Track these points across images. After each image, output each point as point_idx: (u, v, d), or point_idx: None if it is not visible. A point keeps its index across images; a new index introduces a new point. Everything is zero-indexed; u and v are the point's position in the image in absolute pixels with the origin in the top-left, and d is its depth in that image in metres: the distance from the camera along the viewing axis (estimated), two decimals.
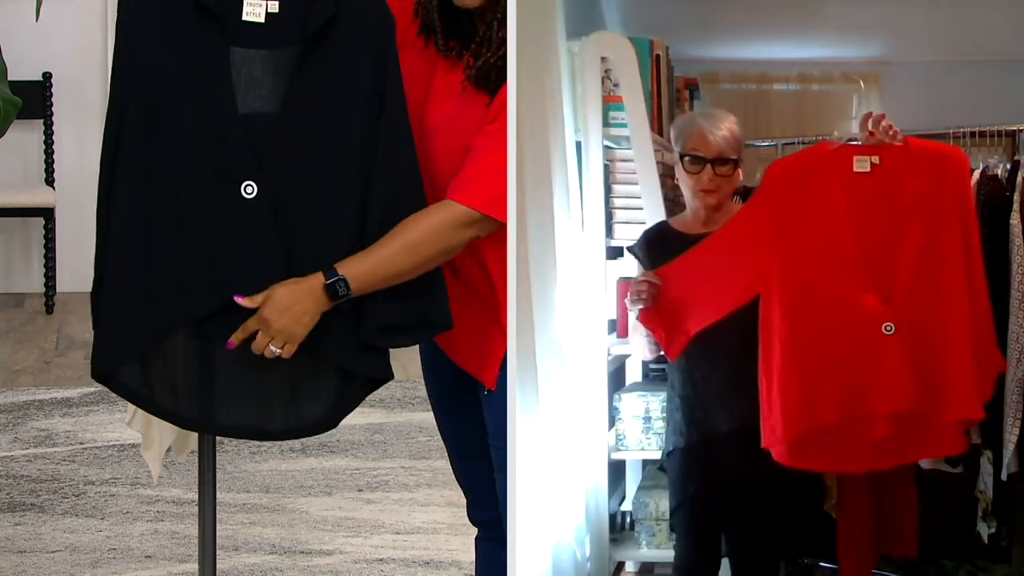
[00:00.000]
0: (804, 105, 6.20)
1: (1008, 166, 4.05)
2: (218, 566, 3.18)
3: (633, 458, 4.41)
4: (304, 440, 5.45)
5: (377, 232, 2.86)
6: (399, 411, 6.04)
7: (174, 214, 2.85)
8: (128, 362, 2.88)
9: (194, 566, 4.18)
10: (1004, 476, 3.92)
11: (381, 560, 4.57)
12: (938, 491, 4.09)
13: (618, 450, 4.23)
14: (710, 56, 5.94)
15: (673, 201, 4.24)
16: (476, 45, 2.95)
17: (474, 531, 3.27)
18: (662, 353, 3.70)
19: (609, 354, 4.08)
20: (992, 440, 3.95)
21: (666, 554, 4.13)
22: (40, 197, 7.67)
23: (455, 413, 3.20)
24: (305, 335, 2.84)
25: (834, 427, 3.49)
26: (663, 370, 4.38)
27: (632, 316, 3.72)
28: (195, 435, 3.13)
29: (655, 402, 4.18)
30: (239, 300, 2.83)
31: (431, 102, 3.00)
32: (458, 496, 3.37)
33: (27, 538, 4.69)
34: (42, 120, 7.81)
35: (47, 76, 7.80)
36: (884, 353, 3.45)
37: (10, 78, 3.64)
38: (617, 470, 4.40)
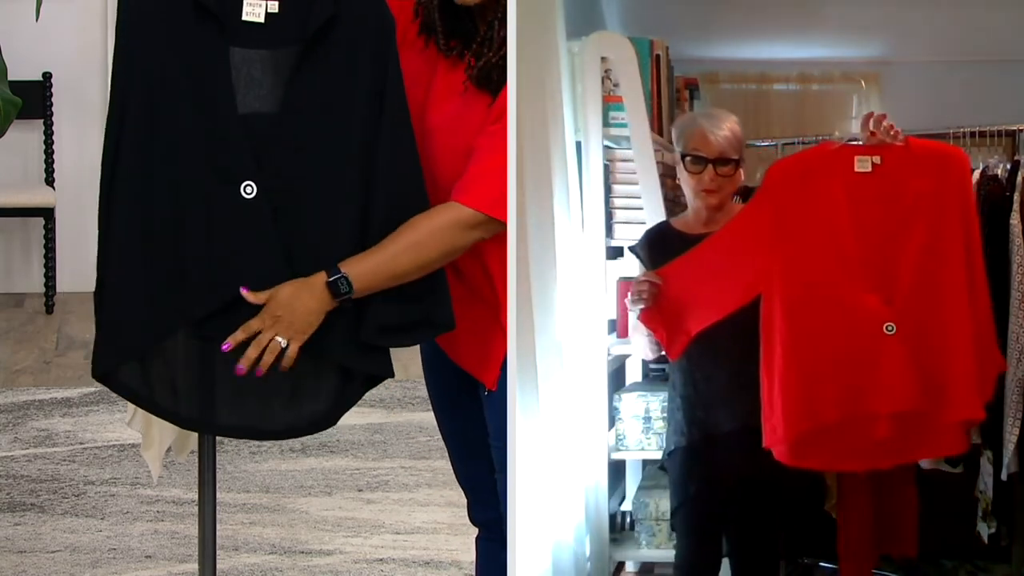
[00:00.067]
0: (804, 105, 6.20)
1: (1008, 166, 4.05)
2: (218, 566, 3.18)
3: (633, 458, 4.42)
4: (304, 440, 5.46)
5: (379, 232, 2.86)
6: (399, 411, 6.04)
7: (174, 214, 2.85)
8: (128, 362, 2.88)
9: (194, 566, 4.18)
10: (1004, 476, 3.92)
11: (381, 560, 4.57)
12: (938, 491, 4.09)
13: (618, 450, 4.23)
14: (710, 56, 5.94)
15: (673, 201, 4.24)
16: (477, 45, 2.95)
17: (474, 531, 3.27)
18: (663, 353, 3.70)
19: (609, 354, 4.08)
20: (992, 440, 3.95)
21: (666, 554, 4.13)
22: (40, 197, 7.67)
23: (456, 413, 3.20)
24: (310, 332, 2.84)
25: (835, 427, 3.49)
26: (663, 370, 4.38)
27: (632, 316, 3.71)
28: (195, 435, 3.13)
29: (655, 402, 4.19)
30: (244, 293, 2.83)
31: (432, 102, 3.00)
32: (458, 496, 3.37)
33: (27, 538, 4.69)
34: (42, 120, 7.80)
35: (47, 76, 7.80)
36: (885, 353, 3.45)
37: (10, 78, 3.63)
38: (617, 470, 4.40)
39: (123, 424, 4.83)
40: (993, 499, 4.06)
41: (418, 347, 3.19)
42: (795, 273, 3.50)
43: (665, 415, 4.09)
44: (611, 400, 4.17)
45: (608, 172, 4.17)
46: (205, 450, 3.07)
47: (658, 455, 4.05)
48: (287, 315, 2.83)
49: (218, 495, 3.17)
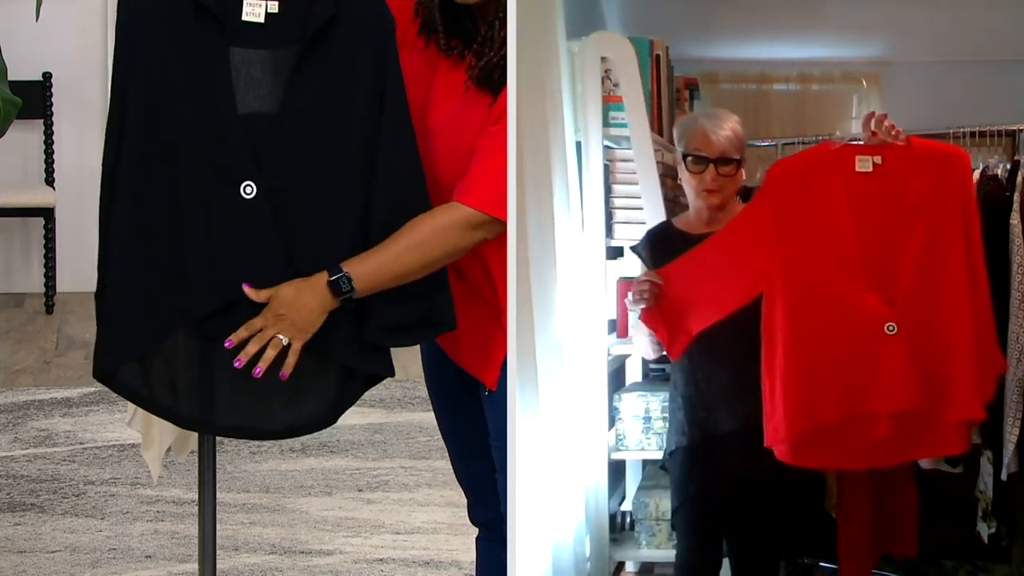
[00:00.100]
0: (804, 105, 6.20)
1: (1008, 166, 4.05)
2: (218, 566, 3.18)
3: (633, 458, 4.42)
4: (304, 440, 5.46)
5: (380, 233, 2.86)
6: (399, 411, 6.04)
7: (174, 214, 2.85)
8: (128, 362, 2.88)
9: (194, 566, 4.18)
10: (1004, 476, 3.92)
11: (381, 560, 4.57)
12: (938, 491, 4.09)
13: (618, 450, 4.23)
14: (710, 56, 5.94)
15: (673, 201, 4.24)
16: (479, 45, 2.95)
17: (474, 531, 3.27)
18: (664, 353, 3.70)
19: (609, 354, 4.08)
20: (992, 440, 3.95)
21: (666, 554, 4.13)
22: (40, 197, 7.67)
23: (457, 413, 3.20)
24: (312, 331, 2.84)
25: (836, 426, 3.49)
26: (663, 370, 4.38)
27: (632, 316, 3.72)
28: (195, 435, 3.13)
29: (655, 402, 4.19)
30: (247, 290, 2.83)
31: (433, 102, 3.00)
32: (458, 496, 3.37)
33: (27, 538, 4.69)
34: (42, 120, 7.80)
35: (47, 76, 7.80)
36: (886, 353, 3.45)
37: (10, 78, 3.63)
38: (617, 470, 4.40)
39: (123, 424, 4.83)
40: (993, 499, 4.06)
41: (418, 347, 3.19)
42: (796, 273, 3.50)
43: (665, 415, 4.10)
44: (611, 400, 4.17)
45: (608, 172, 4.17)
46: (205, 450, 3.07)
47: (658, 455, 4.06)
48: (290, 314, 2.83)
49: (218, 495, 3.17)
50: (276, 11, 2.85)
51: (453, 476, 3.29)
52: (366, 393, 2.96)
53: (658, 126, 4.43)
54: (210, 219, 2.85)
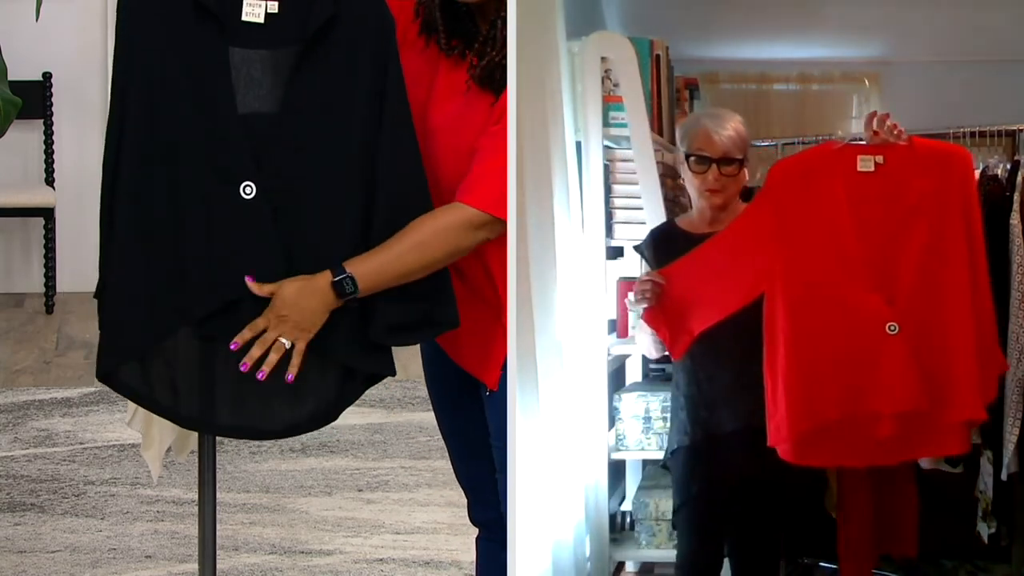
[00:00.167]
0: (804, 105, 6.20)
1: (1008, 166, 4.05)
2: (218, 566, 3.18)
3: (633, 458, 4.41)
4: (304, 440, 5.46)
5: (381, 233, 2.86)
6: (399, 411, 6.04)
7: (175, 214, 2.85)
8: (128, 362, 2.88)
9: (194, 566, 4.18)
10: (1004, 476, 3.92)
11: (381, 560, 4.57)
12: (938, 491, 4.09)
13: (618, 450, 4.23)
14: (710, 56, 5.94)
15: (673, 201, 4.24)
16: (480, 44, 2.95)
17: (474, 531, 3.27)
18: (667, 352, 3.70)
19: (609, 354, 4.08)
20: (992, 440, 3.95)
21: (666, 554, 4.13)
22: (40, 197, 7.67)
23: (457, 413, 3.20)
24: (315, 331, 2.84)
25: (838, 425, 3.49)
26: (663, 370, 4.39)
27: (632, 315, 3.72)
28: (195, 435, 3.13)
29: (655, 402, 4.19)
30: (250, 284, 2.83)
31: (433, 102, 3.00)
32: (458, 496, 3.37)
33: (27, 538, 4.69)
34: (42, 120, 7.80)
35: (47, 76, 7.80)
36: (888, 353, 3.45)
37: (10, 78, 3.63)
38: (617, 470, 4.40)
39: (123, 424, 4.82)
40: (993, 499, 4.05)
41: (418, 347, 3.19)
42: (797, 273, 3.50)
43: (665, 415, 4.10)
44: (611, 400, 4.17)
45: (608, 172, 4.17)
46: (205, 450, 3.07)
47: (658, 455, 4.05)
48: (292, 315, 2.84)
49: (218, 495, 3.17)
50: (276, 11, 2.85)
51: (453, 476, 3.29)
52: (366, 393, 2.97)
53: (658, 126, 4.43)
54: (210, 219, 2.85)
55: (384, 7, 2.90)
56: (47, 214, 7.65)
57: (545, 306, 3.23)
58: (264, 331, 2.85)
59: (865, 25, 5.76)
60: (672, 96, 4.70)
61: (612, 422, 4.20)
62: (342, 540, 4.72)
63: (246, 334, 2.85)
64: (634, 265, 4.13)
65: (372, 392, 3.01)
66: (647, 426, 4.20)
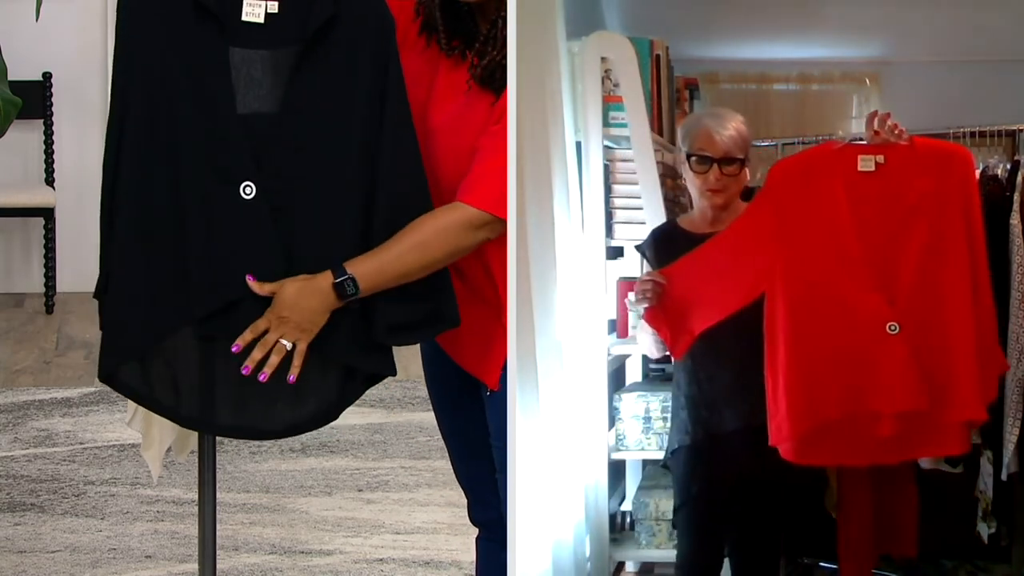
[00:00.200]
0: (804, 105, 6.20)
1: (1008, 166, 4.05)
2: (218, 566, 3.18)
3: (633, 458, 4.42)
4: (304, 440, 5.46)
5: (382, 233, 2.86)
6: (399, 411, 6.04)
7: (175, 214, 2.85)
8: (129, 362, 2.88)
9: (194, 566, 4.18)
10: (1004, 476, 3.92)
11: (381, 560, 4.57)
12: (938, 491, 4.09)
13: (618, 450, 4.23)
14: (710, 56, 5.94)
15: (673, 201, 4.24)
16: (481, 44, 2.95)
17: (474, 531, 3.27)
18: (668, 352, 3.70)
19: (609, 354, 4.08)
20: (992, 440, 3.95)
21: (666, 554, 4.13)
22: (40, 197, 7.67)
23: (457, 413, 3.20)
24: (316, 330, 2.84)
25: (840, 424, 3.49)
26: (663, 370, 4.39)
27: (633, 315, 3.71)
28: (195, 435, 3.13)
29: (655, 402, 4.19)
30: (251, 283, 2.83)
31: (434, 102, 3.00)
32: (458, 496, 3.37)
33: (27, 538, 4.69)
34: (42, 120, 7.80)
35: (47, 76, 7.80)
36: (888, 353, 3.45)
37: (10, 78, 3.63)
38: (617, 470, 4.40)
39: (123, 424, 4.83)
40: (993, 499, 4.05)
41: (418, 347, 3.19)
42: (798, 272, 3.50)
43: (665, 415, 4.10)
44: (611, 400, 4.17)
45: (608, 172, 4.17)
46: (205, 450, 3.07)
47: (658, 455, 4.05)
48: (293, 316, 2.83)
49: (218, 495, 3.17)
50: (276, 11, 2.85)
51: (453, 476, 3.29)
52: (366, 393, 2.97)
53: (658, 126, 4.43)
54: (210, 219, 2.85)
55: (384, 7, 2.90)
56: (47, 214, 7.65)
57: (545, 306, 3.23)
58: (265, 332, 2.85)
59: (865, 25, 5.76)
60: (672, 96, 4.70)
61: (612, 422, 4.20)
62: (342, 540, 4.72)
63: (247, 336, 2.85)
64: (634, 265, 4.13)
65: (372, 392, 3.01)
66: (647, 426, 4.20)
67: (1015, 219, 3.87)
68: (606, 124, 4.11)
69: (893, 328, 3.46)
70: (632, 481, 4.54)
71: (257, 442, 5.41)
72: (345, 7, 2.85)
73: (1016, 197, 3.90)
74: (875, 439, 3.48)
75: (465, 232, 2.89)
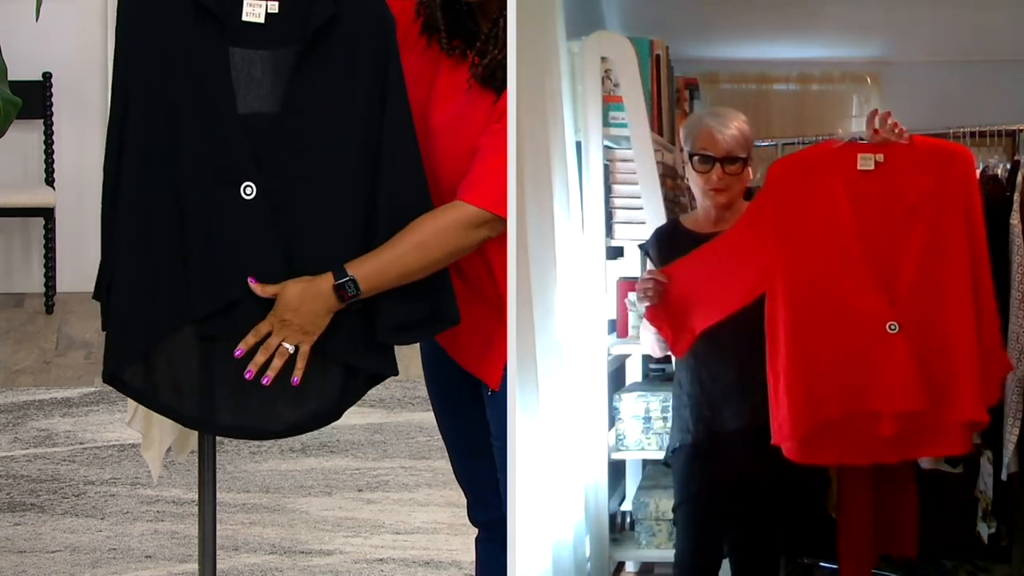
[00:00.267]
0: (804, 105, 6.20)
1: (1008, 166, 4.04)
2: (218, 566, 3.18)
3: (633, 458, 4.41)
4: (304, 440, 5.46)
5: (382, 233, 2.86)
6: (399, 411, 6.04)
7: (175, 215, 2.85)
8: (133, 364, 2.88)
9: (194, 566, 4.18)
10: (1004, 476, 3.92)
11: (381, 560, 4.57)
12: (938, 491, 4.09)
13: (618, 450, 4.23)
14: (710, 56, 5.94)
15: (673, 201, 4.24)
16: (482, 43, 2.95)
17: (474, 531, 3.27)
18: (670, 352, 3.71)
19: (609, 354, 4.08)
20: (992, 440, 3.95)
21: (666, 554, 4.13)
22: (40, 197, 7.67)
23: (457, 413, 3.20)
24: (319, 332, 2.84)
25: (841, 424, 3.49)
26: (663, 370, 4.39)
27: (633, 315, 3.71)
28: (195, 435, 3.13)
29: (655, 402, 4.19)
30: (252, 285, 2.83)
31: (434, 102, 3.00)
32: (458, 496, 3.37)
33: (27, 538, 4.69)
34: (42, 120, 7.80)
35: (47, 76, 7.80)
36: (888, 352, 3.45)
37: (10, 78, 3.63)
38: (617, 470, 4.40)
39: (123, 424, 4.83)
40: (993, 499, 4.05)
41: (418, 347, 3.19)
42: (798, 272, 3.50)
43: (665, 415, 4.10)
44: (611, 400, 4.17)
45: (608, 172, 4.17)
46: (205, 450, 3.07)
47: (658, 455, 4.06)
48: (296, 319, 2.84)
49: (218, 495, 3.17)
50: (276, 11, 2.85)
51: (453, 476, 3.29)
52: (366, 393, 2.97)
53: (658, 126, 4.43)
54: (210, 219, 2.85)
55: (384, 7, 2.90)
56: (47, 214, 7.65)
57: (545, 306, 3.23)
58: (267, 335, 2.85)
59: (865, 25, 5.76)
60: (672, 96, 4.70)
61: (612, 422, 4.20)
62: (342, 540, 4.72)
63: (250, 340, 2.85)
64: (634, 265, 4.13)
65: (372, 392, 3.01)
66: (647, 426, 4.20)
67: (1015, 219, 3.87)
68: (606, 124, 4.11)
69: (893, 328, 3.46)
70: (632, 481, 4.54)
71: (257, 442, 5.41)
72: (345, 7, 2.85)
73: (1016, 197, 3.90)
74: (876, 439, 3.48)
75: (465, 231, 2.89)
